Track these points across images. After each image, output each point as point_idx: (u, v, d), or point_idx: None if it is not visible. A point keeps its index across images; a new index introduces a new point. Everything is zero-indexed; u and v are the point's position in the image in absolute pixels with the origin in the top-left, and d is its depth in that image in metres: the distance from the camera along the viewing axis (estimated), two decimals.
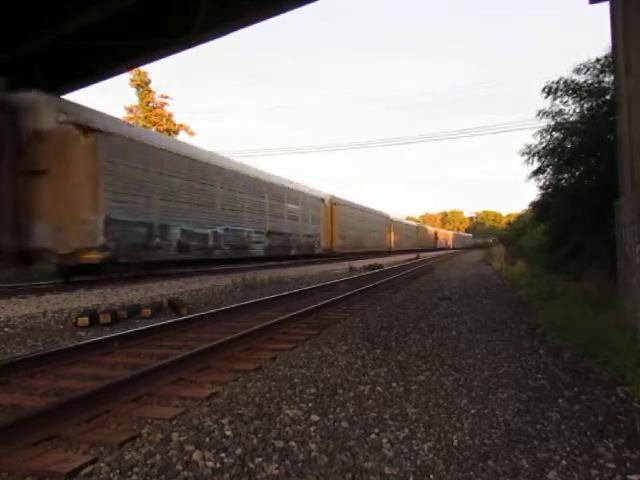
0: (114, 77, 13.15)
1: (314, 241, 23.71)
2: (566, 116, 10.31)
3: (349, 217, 29.52)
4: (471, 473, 2.20)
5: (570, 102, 10.06)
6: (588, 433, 2.62)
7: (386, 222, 39.83)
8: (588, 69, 9.53)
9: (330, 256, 25.70)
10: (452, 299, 8.64)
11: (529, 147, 11.01)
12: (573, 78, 9.82)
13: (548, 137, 10.60)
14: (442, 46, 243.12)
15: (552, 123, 10.50)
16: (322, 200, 25.21)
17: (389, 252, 39.20)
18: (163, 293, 9.21)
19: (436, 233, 64.66)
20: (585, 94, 9.59)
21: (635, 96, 4.67)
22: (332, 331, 5.61)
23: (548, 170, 11.09)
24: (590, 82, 9.61)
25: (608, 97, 9.09)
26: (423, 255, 36.23)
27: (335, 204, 27.12)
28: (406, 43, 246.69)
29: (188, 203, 13.41)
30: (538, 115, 10.65)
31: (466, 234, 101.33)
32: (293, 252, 21.09)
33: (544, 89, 10.04)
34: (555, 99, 10.12)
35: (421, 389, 3.40)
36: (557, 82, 9.89)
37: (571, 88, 9.76)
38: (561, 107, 10.27)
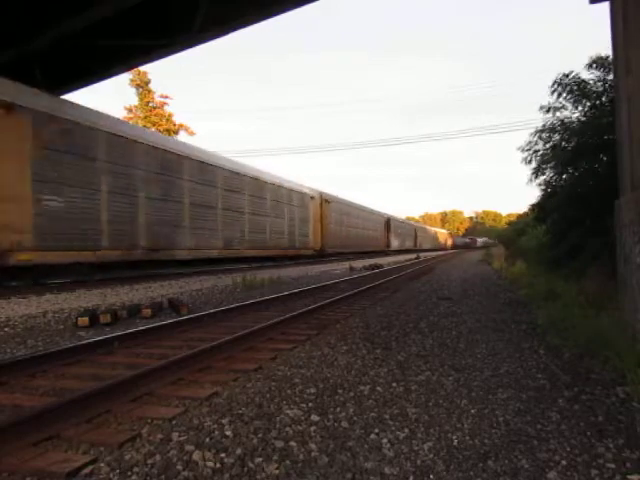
0: (114, 77, 13.17)
1: (382, 243, 39.71)
2: (568, 113, 10.30)
3: (396, 228, 43.85)
4: (471, 473, 2.20)
5: (573, 100, 10.04)
6: (588, 433, 2.63)
7: (415, 230, 53.67)
8: (596, 66, 9.49)
9: (388, 252, 39.71)
10: (452, 299, 8.64)
11: (529, 143, 10.99)
12: (579, 75, 9.82)
13: (548, 137, 10.58)
14: (442, 46, 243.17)
15: (554, 118, 10.46)
16: (385, 219, 40.42)
17: (418, 250, 49.62)
18: (163, 293, 9.22)
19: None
20: (591, 92, 9.56)
21: (635, 96, 4.67)
22: (332, 331, 5.62)
23: (548, 170, 11.08)
24: (594, 81, 9.59)
25: (606, 97, 9.07)
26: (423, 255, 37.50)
27: (389, 219, 41.57)
28: (406, 43, 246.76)
29: (349, 227, 30.64)
30: (541, 109, 10.62)
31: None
32: (385, 249, 39.53)
33: (554, 83, 10.00)
34: (559, 96, 10.08)
35: (421, 389, 3.40)
36: (567, 75, 9.82)
37: (577, 84, 9.73)
38: (564, 103, 10.24)
